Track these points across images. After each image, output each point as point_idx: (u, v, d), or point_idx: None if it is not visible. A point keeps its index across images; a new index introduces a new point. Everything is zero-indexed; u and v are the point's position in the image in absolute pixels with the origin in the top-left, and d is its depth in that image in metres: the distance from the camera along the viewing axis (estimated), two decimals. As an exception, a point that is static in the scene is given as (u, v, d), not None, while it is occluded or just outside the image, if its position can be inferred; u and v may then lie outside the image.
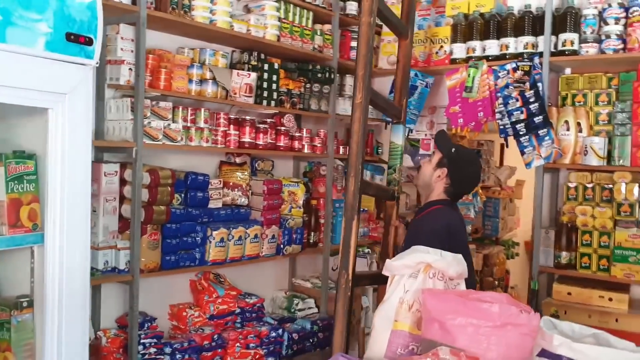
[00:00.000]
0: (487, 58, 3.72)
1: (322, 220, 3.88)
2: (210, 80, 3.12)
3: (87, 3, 1.85)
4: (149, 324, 3.04)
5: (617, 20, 3.33)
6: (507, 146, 3.71)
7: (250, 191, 3.47)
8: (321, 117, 3.93)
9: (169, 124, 2.92)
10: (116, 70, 2.75)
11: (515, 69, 3.55)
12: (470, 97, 3.71)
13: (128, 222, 2.83)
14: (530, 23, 3.57)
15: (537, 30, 3.57)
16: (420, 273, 2.37)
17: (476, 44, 3.77)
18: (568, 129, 3.47)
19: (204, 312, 3.28)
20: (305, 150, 3.72)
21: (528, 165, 3.50)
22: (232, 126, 3.27)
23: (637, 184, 3.33)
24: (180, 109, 3.02)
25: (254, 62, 3.38)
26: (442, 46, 3.93)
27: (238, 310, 3.43)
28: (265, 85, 3.41)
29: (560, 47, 3.48)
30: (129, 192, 2.81)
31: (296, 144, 3.66)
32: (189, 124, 3.05)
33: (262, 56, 3.44)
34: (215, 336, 3.16)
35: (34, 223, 1.90)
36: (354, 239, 2.64)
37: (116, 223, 2.83)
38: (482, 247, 5.64)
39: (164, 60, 2.93)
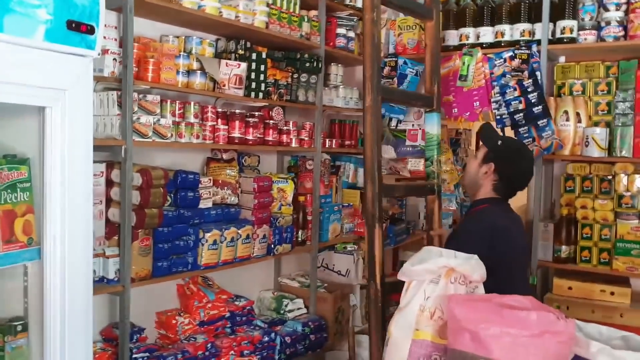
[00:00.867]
0: (481, 45, 3.61)
1: (309, 217, 3.69)
2: (199, 71, 2.88)
3: (87, -16, 1.60)
4: (138, 335, 2.81)
5: (617, 6, 3.26)
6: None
7: (239, 189, 3.26)
8: (306, 109, 3.73)
9: (159, 119, 2.67)
10: (99, 61, 2.47)
11: (512, 57, 3.44)
12: (465, 86, 3.59)
13: (115, 227, 2.58)
14: (527, 9, 3.47)
15: (534, 17, 3.46)
16: (441, 278, 2.23)
17: (469, 30, 3.65)
18: (567, 119, 3.39)
19: (194, 319, 3.06)
20: (293, 144, 3.52)
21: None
22: (220, 120, 3.04)
23: (638, 175, 3.28)
24: (169, 102, 2.77)
25: (241, 51, 3.15)
26: (432, 33, 3.77)
27: (228, 315, 3.23)
28: (253, 75, 3.19)
29: (558, 35, 3.39)
30: (116, 195, 2.55)
31: (284, 138, 3.46)
32: (177, 119, 2.81)
33: (249, 44, 3.21)
34: (209, 345, 2.95)
35: (29, 237, 1.66)
36: (379, 248, 2.50)
37: (103, 228, 2.57)
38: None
39: (151, 49, 2.68)
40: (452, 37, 3.71)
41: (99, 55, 1.66)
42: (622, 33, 3.24)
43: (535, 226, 3.43)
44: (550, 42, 3.39)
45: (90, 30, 1.59)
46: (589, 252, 3.39)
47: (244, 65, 3.08)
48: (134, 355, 2.62)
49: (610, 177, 3.37)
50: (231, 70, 3.04)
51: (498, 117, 3.51)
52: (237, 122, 3.10)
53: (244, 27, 3.07)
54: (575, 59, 3.56)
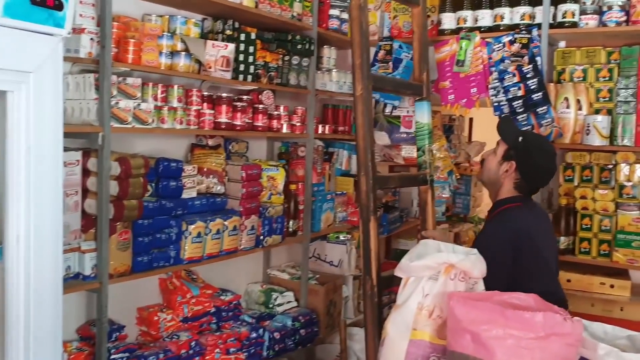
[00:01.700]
0: (479, 29, 3.46)
1: (301, 207, 3.55)
2: (183, 53, 2.71)
3: (53, -46, 1.43)
4: (117, 333, 2.66)
5: (621, -10, 3.10)
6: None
7: (226, 177, 3.10)
8: (298, 93, 3.57)
9: (139, 104, 2.50)
10: (75, 41, 2.29)
11: (512, 42, 3.29)
12: (462, 72, 3.44)
13: (92, 220, 2.42)
14: (528, -8, 3.31)
15: (534, 0, 3.31)
16: (441, 275, 2.11)
17: (467, 13, 3.50)
18: (568, 107, 3.26)
19: (177, 315, 2.92)
20: (284, 130, 3.36)
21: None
22: (206, 104, 2.87)
23: (640, 165, 3.17)
24: (151, 85, 2.60)
25: (229, 32, 2.98)
26: (429, 15, 3.62)
27: (213, 310, 3.09)
28: (241, 58, 3.02)
29: (559, 19, 3.25)
30: (93, 185, 2.38)
31: (274, 124, 3.30)
32: (160, 103, 2.64)
33: (237, 25, 3.04)
34: (193, 343, 2.81)
35: (-11, 236, 1.50)
36: (374, 242, 2.38)
37: (79, 221, 2.40)
38: (452, 226, 5.48)
39: (131, 29, 2.50)
40: (449, 20, 3.55)
41: (69, 34, 1.50)
42: (625, 18, 3.11)
43: (534, 218, 3.31)
44: (551, 26, 3.25)
45: (58, 6, 1.43)
46: (588, 243, 3.29)
47: (231, 46, 2.91)
48: (113, 356, 2.47)
49: (611, 167, 3.26)
50: (218, 52, 2.87)
51: (496, 104, 3.37)
52: (224, 107, 2.93)
53: (232, 6, 2.89)
54: (576, 44, 3.42)
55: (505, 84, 3.31)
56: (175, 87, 2.71)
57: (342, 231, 3.92)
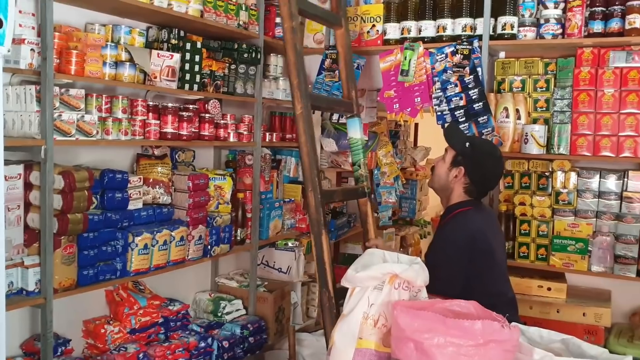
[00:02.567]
0: (422, 40, 3.54)
1: (249, 215, 3.56)
2: (128, 63, 2.68)
3: (-8, -29, 1.41)
4: (63, 347, 2.61)
5: (556, 4, 3.25)
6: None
7: (173, 187, 3.08)
8: (245, 101, 3.57)
9: (83, 116, 2.46)
10: (15, 52, 2.25)
11: (454, 53, 3.39)
12: (406, 82, 3.52)
13: (36, 234, 2.37)
14: (468, 4, 3.42)
15: (475, 12, 3.42)
16: (385, 284, 2.16)
17: (411, 24, 3.58)
18: (507, 116, 3.38)
19: (124, 327, 2.88)
20: (231, 139, 3.36)
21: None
22: (151, 114, 2.85)
23: (575, 173, 3.31)
24: (94, 97, 2.56)
25: (174, 41, 2.96)
26: (374, 25, 3.69)
27: (161, 321, 3.07)
28: (187, 67, 3.01)
29: (499, 31, 3.36)
30: (36, 199, 2.34)
31: (221, 133, 3.29)
32: (104, 114, 2.60)
33: (182, 34, 3.02)
34: (141, 355, 2.78)
35: None
36: (327, 254, 2.44)
37: (21, 235, 2.36)
38: (398, 229, 5.58)
39: (74, 39, 2.46)
40: (394, 30, 3.63)
41: (9, 52, 1.47)
42: (561, 31, 3.24)
43: (476, 223, 3.41)
44: (491, 37, 3.36)
45: (-3, 24, 1.40)
46: (527, 248, 3.42)
47: (177, 56, 2.89)
48: (58, 372, 2.43)
49: (548, 174, 3.40)
50: (163, 62, 2.85)
51: (439, 113, 3.46)
52: (169, 117, 2.91)
53: (177, 15, 2.88)
54: (515, 55, 3.55)
55: (448, 94, 3.41)
56: (120, 97, 2.68)
57: (290, 238, 3.94)
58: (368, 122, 4.05)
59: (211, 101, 3.26)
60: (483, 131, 3.31)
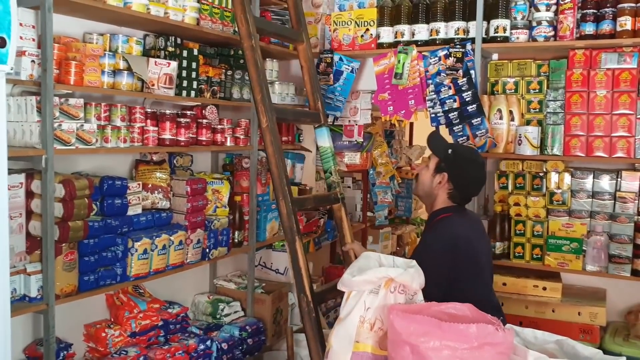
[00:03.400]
0: (416, 43, 3.58)
1: (246, 217, 3.60)
2: (125, 71, 2.72)
3: (-6, -9, 1.45)
4: (65, 351, 2.64)
5: (548, 6, 3.29)
6: (438, 135, 3.59)
7: (171, 192, 3.12)
8: (241, 106, 3.61)
9: (82, 125, 2.50)
10: (16, 63, 2.25)
11: (447, 56, 3.43)
12: (400, 84, 3.56)
13: (37, 241, 2.41)
14: (461, 8, 3.46)
15: (468, 16, 3.46)
16: (381, 288, 2.20)
17: (404, 28, 3.62)
18: (501, 118, 3.42)
19: (124, 330, 2.93)
20: (228, 143, 3.40)
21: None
22: (149, 121, 2.89)
23: (568, 173, 3.36)
24: (93, 105, 2.60)
25: (171, 49, 3.00)
26: (368, 29, 3.73)
27: (161, 324, 3.11)
28: (184, 74, 3.05)
29: (492, 34, 3.40)
30: (37, 207, 2.38)
31: (218, 137, 3.33)
32: (103, 123, 2.64)
33: (179, 41, 3.06)
34: (141, 358, 2.83)
35: None
36: (303, 260, 2.51)
37: (24, 243, 2.40)
38: (395, 228, 5.63)
39: (72, 49, 2.49)
40: (387, 34, 3.67)
41: (12, 69, 1.51)
42: (552, 33, 3.29)
43: (471, 224, 3.46)
44: (484, 40, 3.40)
45: (1, 43, 1.44)
46: (522, 248, 3.46)
47: (174, 64, 2.93)
48: (61, 377, 2.48)
49: (542, 175, 3.44)
50: (160, 70, 2.89)
51: (433, 115, 3.51)
52: (167, 123, 2.95)
53: (173, 23, 2.92)
54: (508, 57, 3.59)
55: (441, 96, 3.45)
56: (119, 105, 2.71)
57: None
58: (363, 123, 4.09)
59: (208, 107, 3.30)
60: (477, 132, 3.36)
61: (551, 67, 3.40)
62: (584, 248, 3.27)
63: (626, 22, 3.10)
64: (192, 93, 3.10)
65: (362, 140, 4.18)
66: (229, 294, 3.72)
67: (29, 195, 2.41)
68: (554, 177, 3.37)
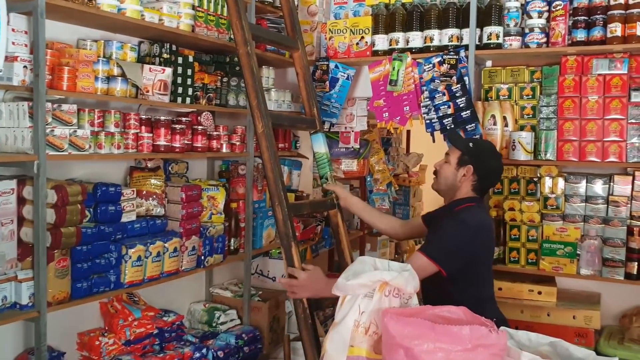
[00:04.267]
0: (410, 50, 3.60)
1: (242, 224, 3.59)
2: (120, 78, 2.73)
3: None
4: (58, 360, 2.64)
5: (540, 13, 3.31)
6: (433, 141, 3.60)
7: (166, 199, 3.12)
8: (237, 113, 3.62)
9: (75, 131, 2.50)
10: (8, 69, 2.29)
11: (441, 63, 3.45)
12: (395, 91, 3.57)
13: (29, 248, 2.40)
14: (455, 15, 3.48)
15: (462, 23, 3.48)
16: (376, 292, 2.20)
17: (399, 35, 3.63)
18: (495, 124, 3.44)
19: (119, 338, 2.91)
20: (224, 150, 3.40)
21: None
22: (144, 128, 2.89)
23: (562, 178, 3.36)
24: (87, 111, 2.61)
25: (166, 55, 3.01)
26: (363, 37, 3.75)
27: (156, 332, 3.09)
28: (179, 80, 3.06)
29: (485, 40, 3.42)
30: (29, 213, 2.37)
31: (214, 144, 3.34)
32: (96, 129, 2.65)
33: (174, 48, 3.07)
34: (136, 366, 2.82)
35: None
36: (299, 266, 2.51)
37: (15, 250, 2.39)
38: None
39: (66, 55, 2.50)
40: (382, 41, 3.68)
41: (0, 71, 1.51)
42: (545, 40, 3.31)
43: (466, 230, 3.46)
44: (478, 47, 3.42)
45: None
46: (517, 252, 3.46)
47: (168, 70, 2.94)
48: (53, 385, 2.46)
49: (536, 180, 3.45)
50: (155, 76, 2.89)
51: (427, 121, 3.52)
52: (162, 130, 2.95)
53: (168, 30, 2.93)
54: (502, 64, 3.61)
55: (436, 103, 3.46)
56: (113, 112, 2.72)
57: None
58: (359, 130, 4.10)
59: (204, 113, 3.31)
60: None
61: (544, 73, 3.42)
62: (578, 252, 3.28)
63: (616, 29, 3.12)
64: (188, 100, 3.11)
65: (358, 146, 4.19)
66: (225, 302, 3.71)
67: (21, 201, 2.40)
68: (547, 182, 3.38)
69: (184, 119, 3.17)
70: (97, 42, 2.77)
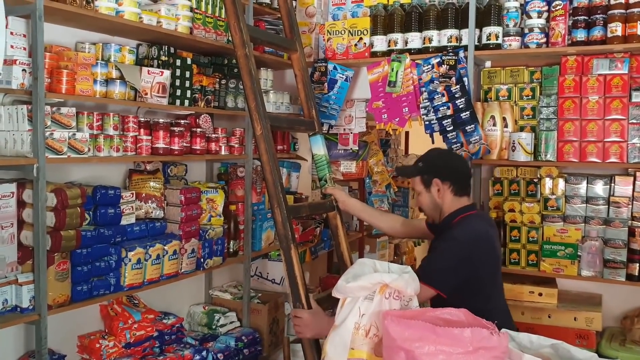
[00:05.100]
0: (409, 51, 3.59)
1: (241, 227, 3.59)
2: (118, 80, 2.72)
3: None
4: (58, 364, 2.64)
5: (539, 13, 3.30)
6: (432, 142, 3.59)
7: (165, 201, 3.11)
8: (236, 115, 3.62)
9: (74, 134, 2.49)
10: (6, 72, 2.28)
11: (440, 64, 3.44)
12: (394, 92, 3.57)
13: (29, 251, 2.40)
14: (454, 15, 3.47)
15: (460, 23, 3.47)
16: (376, 294, 2.19)
17: (398, 36, 3.63)
18: (494, 124, 3.43)
19: (119, 341, 2.90)
20: (223, 152, 3.40)
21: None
22: (143, 130, 2.89)
23: (562, 179, 3.36)
24: (86, 114, 2.60)
25: (164, 58, 3.00)
26: (361, 38, 3.74)
27: (156, 334, 3.09)
28: (177, 83, 3.06)
29: (484, 41, 3.41)
30: (29, 217, 2.37)
31: (213, 146, 3.33)
32: (95, 132, 2.64)
33: (172, 50, 3.07)
34: (136, 369, 2.81)
35: None
36: (298, 268, 2.50)
37: (15, 253, 2.38)
38: (392, 238, 5.61)
39: (64, 58, 2.50)
40: (381, 42, 3.67)
41: (0, 73, 1.50)
42: (544, 40, 3.30)
43: (467, 231, 3.45)
44: (477, 47, 3.41)
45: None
46: (517, 254, 3.45)
47: (167, 73, 2.93)
48: (54, 389, 2.45)
49: (536, 181, 3.43)
50: (153, 78, 2.89)
51: (427, 122, 3.51)
52: (161, 132, 2.95)
53: (166, 32, 2.92)
54: (501, 64, 3.60)
55: (435, 104, 3.45)
56: (111, 114, 2.71)
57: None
58: (358, 132, 4.09)
59: (202, 116, 3.30)
60: (470, 139, 3.36)
61: (544, 74, 3.41)
62: (579, 253, 3.26)
63: (617, 28, 3.12)
64: (186, 102, 3.10)
65: (357, 148, 4.18)
66: (224, 304, 3.70)
67: (21, 204, 2.40)
68: (548, 183, 3.37)
69: (182, 121, 3.16)
70: (96, 45, 2.77)
